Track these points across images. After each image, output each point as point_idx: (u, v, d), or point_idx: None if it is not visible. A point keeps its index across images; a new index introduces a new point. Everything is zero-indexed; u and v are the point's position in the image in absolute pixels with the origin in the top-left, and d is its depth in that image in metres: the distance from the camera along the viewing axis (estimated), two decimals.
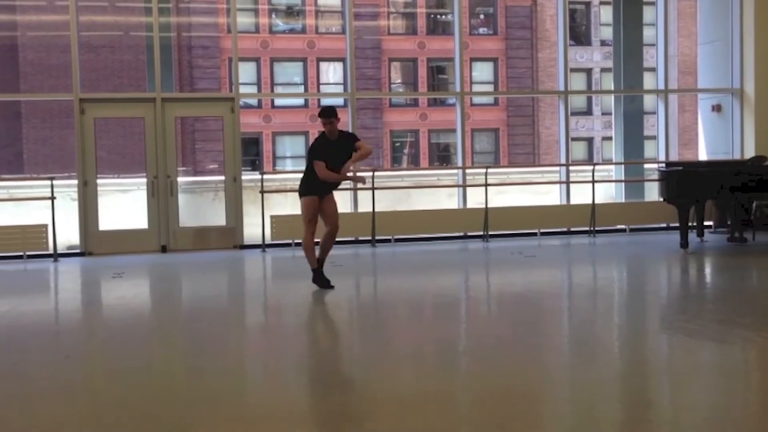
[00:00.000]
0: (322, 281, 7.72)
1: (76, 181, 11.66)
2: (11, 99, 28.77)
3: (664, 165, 12.28)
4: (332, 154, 7.61)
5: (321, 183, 7.69)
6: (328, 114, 7.60)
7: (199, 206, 12.65)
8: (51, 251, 11.08)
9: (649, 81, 15.48)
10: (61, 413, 4.23)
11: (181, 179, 12.38)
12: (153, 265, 10.63)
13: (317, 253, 7.79)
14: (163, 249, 11.66)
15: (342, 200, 12.48)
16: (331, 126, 7.60)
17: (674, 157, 15.06)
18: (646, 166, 14.26)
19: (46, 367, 5.27)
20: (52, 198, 11.12)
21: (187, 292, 8.86)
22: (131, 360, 5.43)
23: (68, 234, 11.62)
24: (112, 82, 27.67)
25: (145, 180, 11.90)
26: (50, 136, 28.51)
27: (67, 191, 12.01)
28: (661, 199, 10.99)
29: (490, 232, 12.30)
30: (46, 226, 11.14)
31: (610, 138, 20.18)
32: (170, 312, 7.47)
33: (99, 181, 11.85)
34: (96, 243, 11.56)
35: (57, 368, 5.21)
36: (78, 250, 11.54)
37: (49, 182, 11.30)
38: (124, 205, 12.55)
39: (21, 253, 11.14)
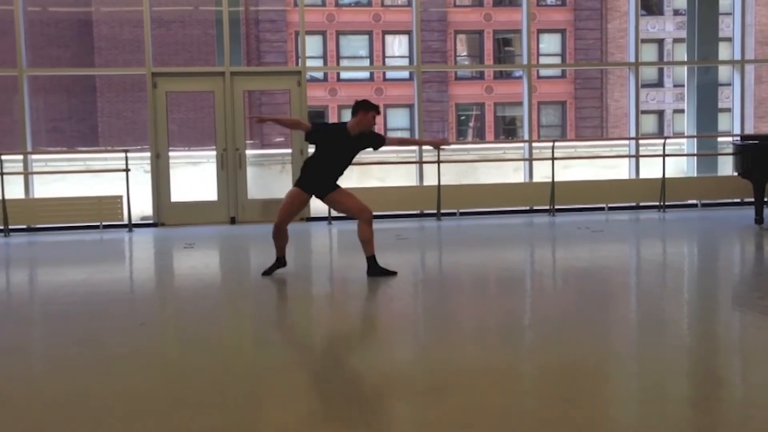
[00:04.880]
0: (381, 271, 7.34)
1: (149, 154, 11.97)
2: (86, 73, 29.55)
3: (738, 138, 11.93)
4: (344, 147, 7.19)
5: (324, 177, 7.20)
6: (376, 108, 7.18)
7: (267, 179, 12.83)
8: (126, 222, 11.43)
9: (724, 51, 14.97)
10: (135, 380, 4.39)
11: (249, 152, 12.57)
12: (222, 236, 10.86)
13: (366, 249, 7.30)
14: (232, 221, 11.90)
15: (408, 173, 12.54)
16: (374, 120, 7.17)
17: (750, 130, 14.59)
18: (720, 139, 13.87)
19: (122, 334, 5.46)
20: (126, 170, 11.44)
21: (255, 262, 9.02)
22: (202, 329, 5.58)
23: (142, 205, 11.96)
24: (183, 57, 28.17)
25: (214, 153, 12.13)
26: (123, 109, 29.24)
27: (141, 163, 12.34)
28: (735, 174, 10.70)
29: (557, 207, 12.18)
30: (121, 197, 11.49)
31: (681, 111, 19.64)
32: (240, 282, 7.63)
33: (171, 153, 12.13)
34: (168, 214, 11.87)
35: (132, 335, 5.40)
36: (151, 221, 11.87)
37: (123, 155, 11.63)
38: (194, 178, 12.82)
39: (97, 223, 11.53)
